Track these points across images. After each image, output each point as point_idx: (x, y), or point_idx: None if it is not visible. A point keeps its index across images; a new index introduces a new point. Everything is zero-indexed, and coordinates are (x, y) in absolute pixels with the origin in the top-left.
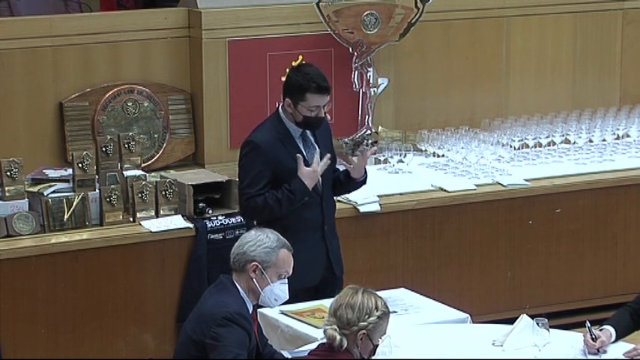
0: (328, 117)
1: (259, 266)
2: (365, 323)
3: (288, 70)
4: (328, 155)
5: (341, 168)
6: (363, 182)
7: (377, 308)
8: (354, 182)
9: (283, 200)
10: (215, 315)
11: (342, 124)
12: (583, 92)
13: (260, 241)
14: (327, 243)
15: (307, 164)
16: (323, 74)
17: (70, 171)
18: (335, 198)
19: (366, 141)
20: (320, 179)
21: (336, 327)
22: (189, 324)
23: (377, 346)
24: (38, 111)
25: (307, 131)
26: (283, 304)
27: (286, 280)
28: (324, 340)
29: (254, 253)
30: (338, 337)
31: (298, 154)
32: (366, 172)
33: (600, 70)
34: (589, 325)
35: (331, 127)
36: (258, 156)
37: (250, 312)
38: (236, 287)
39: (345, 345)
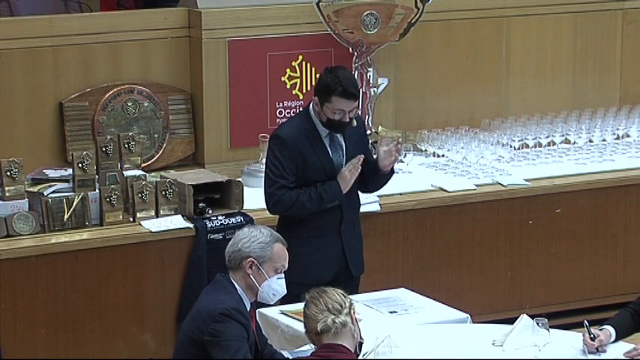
0: (355, 122)
1: (255, 262)
2: (349, 302)
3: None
4: (362, 157)
5: None
6: (389, 175)
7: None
8: (380, 174)
9: (314, 198)
10: (211, 312)
11: None
12: (583, 92)
13: (254, 237)
14: (343, 242)
15: (333, 165)
16: (354, 80)
17: (70, 171)
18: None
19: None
20: None
21: (335, 315)
22: (187, 323)
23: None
24: (38, 111)
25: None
26: (283, 302)
27: (283, 275)
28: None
29: (249, 249)
30: (348, 320)
31: (360, 155)
32: (392, 168)
33: (600, 70)
34: (587, 324)
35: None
36: (284, 149)
37: (248, 309)
38: (233, 285)
39: (354, 328)
